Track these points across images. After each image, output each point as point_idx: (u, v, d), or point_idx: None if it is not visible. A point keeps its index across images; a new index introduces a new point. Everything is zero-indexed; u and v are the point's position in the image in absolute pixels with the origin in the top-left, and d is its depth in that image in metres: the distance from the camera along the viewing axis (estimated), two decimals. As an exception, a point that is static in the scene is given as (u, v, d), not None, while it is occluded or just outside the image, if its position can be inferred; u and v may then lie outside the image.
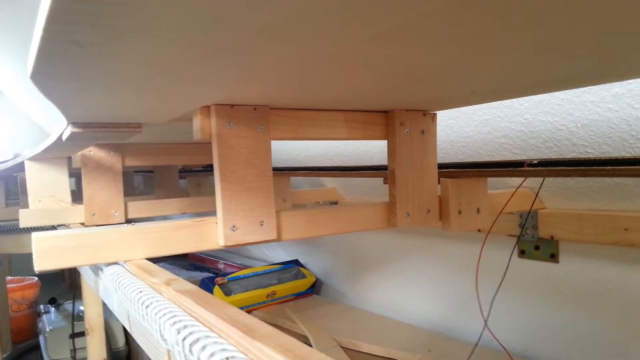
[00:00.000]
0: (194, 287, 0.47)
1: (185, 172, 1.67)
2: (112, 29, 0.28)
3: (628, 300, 0.87)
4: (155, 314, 0.41)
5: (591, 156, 0.85)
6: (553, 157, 0.90)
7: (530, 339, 1.03)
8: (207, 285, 1.48)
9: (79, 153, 1.06)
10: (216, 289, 1.46)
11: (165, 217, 1.36)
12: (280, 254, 1.97)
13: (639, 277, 0.85)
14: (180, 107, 0.60)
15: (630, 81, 0.77)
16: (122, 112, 0.63)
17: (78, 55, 0.33)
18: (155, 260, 0.60)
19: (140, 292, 0.48)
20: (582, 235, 0.88)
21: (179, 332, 0.36)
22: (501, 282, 0.96)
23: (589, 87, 0.82)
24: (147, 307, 0.44)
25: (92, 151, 1.07)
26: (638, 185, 0.81)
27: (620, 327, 0.88)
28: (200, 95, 0.53)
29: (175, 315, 0.39)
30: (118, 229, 0.59)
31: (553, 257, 0.97)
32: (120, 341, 2.07)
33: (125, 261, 0.60)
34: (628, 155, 0.80)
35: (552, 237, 0.94)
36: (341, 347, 1.15)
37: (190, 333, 0.35)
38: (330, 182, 1.54)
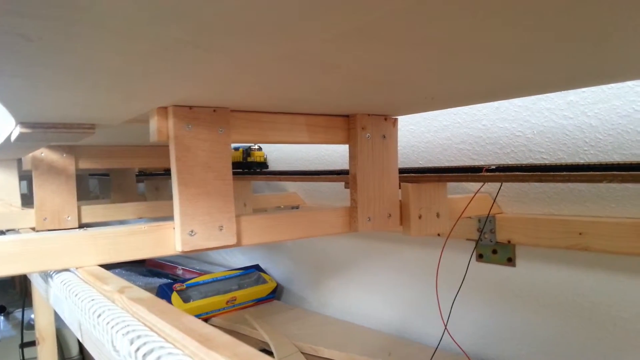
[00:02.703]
0: (149, 295, 0.45)
1: (143, 175, 1.63)
2: (62, 22, 0.26)
3: (582, 303, 0.89)
4: (107, 323, 0.39)
5: (547, 162, 0.87)
6: (510, 162, 0.92)
7: (489, 342, 1.05)
8: (164, 292, 1.44)
9: (30, 155, 1.02)
10: (174, 295, 1.43)
11: (121, 222, 1.32)
12: (240, 259, 1.94)
13: (592, 280, 0.88)
14: (136, 107, 0.59)
15: (584, 89, 0.79)
16: (74, 112, 0.60)
17: (26, 49, 0.31)
18: (109, 266, 0.58)
19: (92, 300, 0.46)
20: (538, 239, 0.90)
21: (131, 343, 0.34)
22: (460, 286, 0.98)
23: (546, 94, 0.84)
24: (98, 316, 0.42)
25: (44, 153, 1.03)
26: (592, 191, 0.83)
27: (575, 329, 0.91)
28: (156, 94, 0.51)
29: (128, 325, 0.37)
30: (69, 234, 0.56)
31: (510, 261, 0.99)
32: (74, 350, 2.00)
33: (76, 268, 0.57)
34: (582, 161, 0.82)
35: (509, 241, 0.96)
36: (302, 353, 1.15)
37: (144, 343, 0.34)
38: (291, 187, 1.53)
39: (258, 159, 1.32)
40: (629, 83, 0.75)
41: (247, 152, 1.30)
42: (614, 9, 0.30)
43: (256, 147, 1.32)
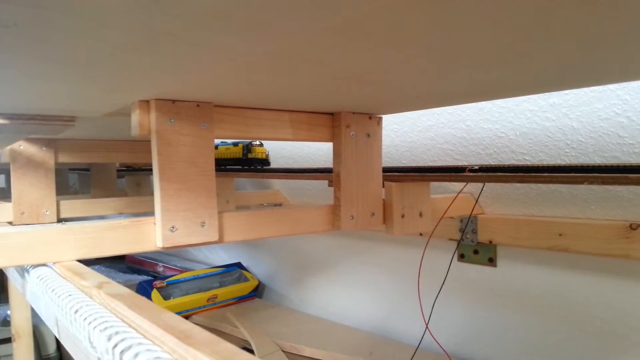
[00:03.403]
0: (128, 291, 0.45)
1: (124, 170, 1.61)
2: (39, 8, 0.26)
3: (562, 304, 0.90)
4: (85, 319, 0.39)
5: (529, 163, 0.87)
6: (493, 163, 0.93)
7: (470, 341, 1.06)
8: (144, 289, 1.42)
9: (8, 147, 1.00)
10: (154, 292, 1.41)
11: (101, 218, 1.30)
12: (222, 257, 1.93)
13: (572, 280, 0.89)
14: (118, 99, 0.58)
15: (567, 92, 0.80)
16: (53, 104, 0.59)
17: (0, 36, 0.30)
18: (88, 263, 0.57)
19: (69, 296, 0.45)
20: (519, 240, 0.91)
21: (109, 339, 0.34)
22: (442, 286, 0.98)
23: (529, 96, 0.84)
24: (75, 312, 0.41)
25: (23, 146, 1.01)
26: (572, 192, 0.84)
27: (555, 328, 0.92)
28: (139, 87, 0.51)
29: (106, 321, 0.37)
30: (46, 228, 0.55)
31: (491, 261, 1.00)
32: (51, 347, 1.97)
33: (54, 263, 0.56)
34: (563, 163, 0.83)
35: (490, 242, 0.97)
36: (283, 351, 1.14)
37: (122, 340, 0.33)
38: (275, 184, 1.52)
39: (259, 156, 1.23)
40: (610, 86, 0.75)
41: (248, 148, 1.22)
42: (611, 15, 0.30)
43: (257, 142, 1.23)
